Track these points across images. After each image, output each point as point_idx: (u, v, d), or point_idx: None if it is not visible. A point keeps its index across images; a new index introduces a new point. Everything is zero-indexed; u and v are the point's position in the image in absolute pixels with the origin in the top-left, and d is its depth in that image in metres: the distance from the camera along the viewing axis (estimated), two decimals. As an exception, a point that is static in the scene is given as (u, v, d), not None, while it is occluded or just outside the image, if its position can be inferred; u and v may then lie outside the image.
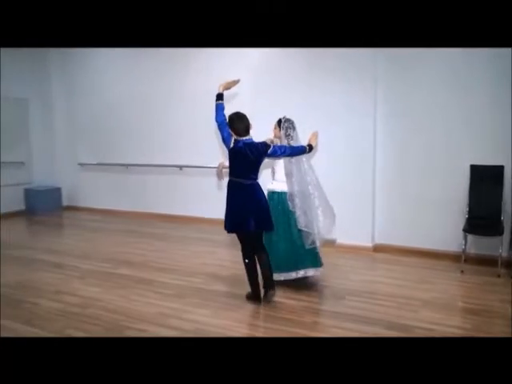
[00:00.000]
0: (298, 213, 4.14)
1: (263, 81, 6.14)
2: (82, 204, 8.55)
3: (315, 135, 4.13)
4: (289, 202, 4.19)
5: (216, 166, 4.55)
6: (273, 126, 4.36)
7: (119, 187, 8.10)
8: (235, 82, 4.04)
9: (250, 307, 3.93)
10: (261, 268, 4.04)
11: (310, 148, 4.03)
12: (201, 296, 4.19)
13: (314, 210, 4.14)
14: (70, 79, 8.38)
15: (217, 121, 3.92)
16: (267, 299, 4.01)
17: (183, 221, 7.30)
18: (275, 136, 4.36)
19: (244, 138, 3.83)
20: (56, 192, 8.60)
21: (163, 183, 7.62)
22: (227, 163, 3.98)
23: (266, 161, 4.03)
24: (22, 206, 8.31)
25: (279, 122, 4.31)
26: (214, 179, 6.71)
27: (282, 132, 4.25)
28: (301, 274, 4.32)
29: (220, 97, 3.94)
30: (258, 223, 3.86)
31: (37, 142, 8.50)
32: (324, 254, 4.52)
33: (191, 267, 5.04)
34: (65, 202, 8.72)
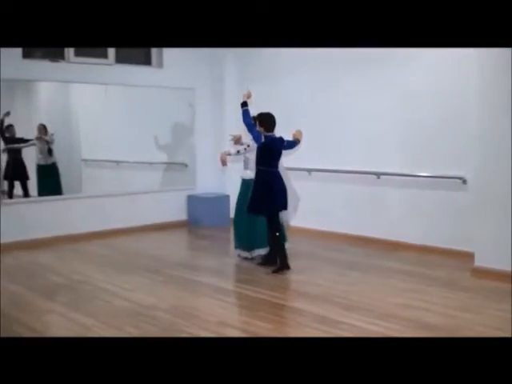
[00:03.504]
0: None
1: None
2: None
3: (300, 133, 6.51)
4: None
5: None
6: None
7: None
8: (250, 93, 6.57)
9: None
10: (274, 245, 6.45)
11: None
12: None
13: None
14: (244, 82, 9.19)
15: (246, 122, 6.37)
16: (280, 270, 6.29)
17: (383, 246, 7.47)
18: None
19: (271, 134, 6.27)
20: (224, 200, 9.30)
21: (357, 196, 7.93)
22: (231, 150, 6.63)
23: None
24: (183, 216, 9.39)
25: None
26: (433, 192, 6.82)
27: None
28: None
29: (245, 104, 6.43)
30: (281, 203, 6.27)
31: (202, 142, 9.53)
32: None
33: (386, 308, 5.13)
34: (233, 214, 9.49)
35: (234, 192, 9.36)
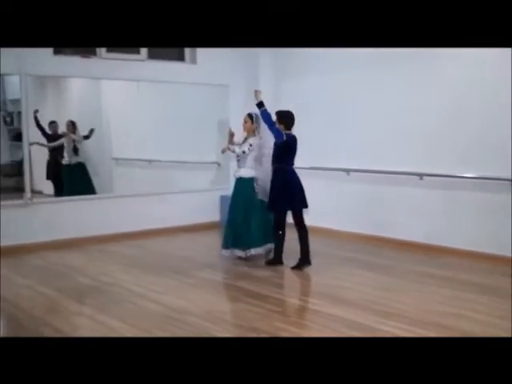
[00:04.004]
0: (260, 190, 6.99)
1: None
2: (290, 219, 9.19)
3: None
4: (255, 184, 6.96)
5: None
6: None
7: (334, 198, 8.66)
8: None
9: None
10: (300, 242, 6.67)
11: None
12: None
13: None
14: (279, 79, 9.44)
15: (268, 121, 6.53)
16: (300, 268, 6.60)
17: (421, 250, 7.45)
18: (247, 130, 6.98)
19: (289, 132, 6.61)
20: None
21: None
22: (236, 149, 6.99)
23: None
24: (216, 217, 9.44)
25: (251, 116, 6.92)
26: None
27: (255, 125, 6.91)
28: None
29: (262, 104, 6.58)
30: (301, 201, 6.61)
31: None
32: None
33: (422, 315, 5.11)
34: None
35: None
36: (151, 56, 8.73)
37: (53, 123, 8.52)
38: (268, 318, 5.08)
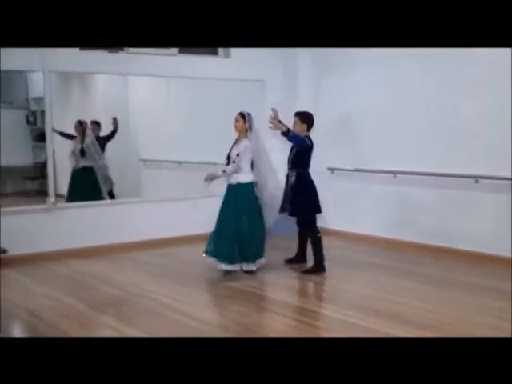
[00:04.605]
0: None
1: None
2: (331, 225, 9.06)
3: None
4: (255, 189, 6.71)
5: None
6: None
7: (379, 202, 8.49)
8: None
9: None
10: (307, 244, 7.08)
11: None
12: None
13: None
14: (319, 75, 9.35)
15: (301, 144, 6.73)
16: (313, 272, 6.72)
17: (465, 259, 7.28)
18: (239, 130, 6.76)
19: (308, 134, 6.84)
20: None
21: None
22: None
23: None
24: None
25: (243, 115, 6.72)
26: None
27: (247, 125, 6.70)
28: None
29: (289, 130, 6.62)
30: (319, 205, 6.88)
31: (271, 141, 9.34)
32: None
33: (465, 328, 4.97)
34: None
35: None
36: (182, 50, 8.61)
37: (95, 123, 8.55)
38: (307, 334, 4.95)
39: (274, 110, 6.68)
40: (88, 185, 8.64)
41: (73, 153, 8.68)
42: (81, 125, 8.57)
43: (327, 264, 6.85)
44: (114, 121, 8.75)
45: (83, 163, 8.71)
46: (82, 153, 8.62)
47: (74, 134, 8.65)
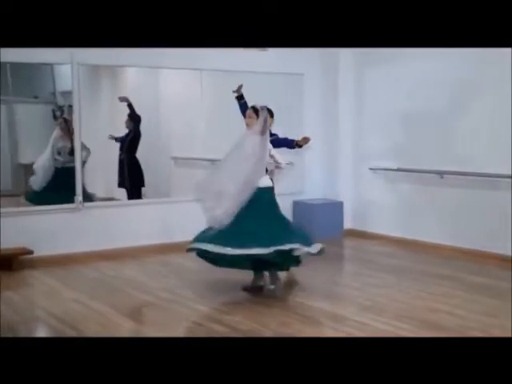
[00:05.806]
0: None
1: None
2: (370, 228, 8.91)
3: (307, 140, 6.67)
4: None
5: None
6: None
7: (420, 206, 8.28)
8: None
9: None
10: None
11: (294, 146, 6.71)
12: None
13: None
14: (360, 69, 9.23)
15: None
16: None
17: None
18: (249, 124, 6.01)
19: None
20: (336, 208, 9.14)
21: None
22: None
23: None
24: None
25: (255, 109, 6.00)
26: None
27: (261, 119, 5.91)
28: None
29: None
30: None
31: (311, 137, 9.22)
32: None
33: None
34: (347, 225, 9.20)
35: (348, 198, 9.11)
36: (216, 42, 8.41)
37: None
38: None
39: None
40: (69, 186, 8.01)
41: (59, 151, 8.37)
42: (66, 122, 8.23)
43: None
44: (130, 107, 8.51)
45: (70, 163, 8.13)
46: (72, 152, 8.06)
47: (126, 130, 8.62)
